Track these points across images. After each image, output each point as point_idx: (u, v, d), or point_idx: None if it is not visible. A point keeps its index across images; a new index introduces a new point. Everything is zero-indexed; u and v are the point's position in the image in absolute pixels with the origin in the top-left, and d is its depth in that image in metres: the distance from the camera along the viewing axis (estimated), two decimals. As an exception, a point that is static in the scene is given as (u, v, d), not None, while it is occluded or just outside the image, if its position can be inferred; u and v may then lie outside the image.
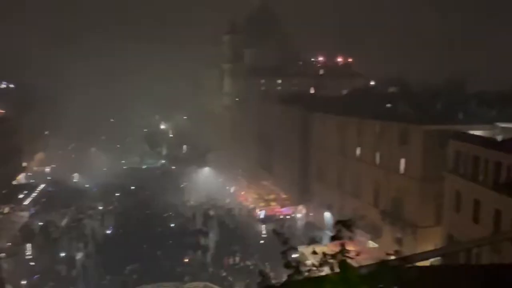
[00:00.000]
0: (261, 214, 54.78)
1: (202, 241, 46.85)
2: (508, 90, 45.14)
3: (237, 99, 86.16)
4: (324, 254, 5.17)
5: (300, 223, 52.84)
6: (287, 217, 54.50)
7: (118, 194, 64.98)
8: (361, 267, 5.51)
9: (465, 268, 12.38)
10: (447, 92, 45.18)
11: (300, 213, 54.33)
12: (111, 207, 59.84)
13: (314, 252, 5.93)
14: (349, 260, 5.09)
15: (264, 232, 49.11)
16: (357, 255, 5.31)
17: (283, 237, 5.38)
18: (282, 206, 56.35)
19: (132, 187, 68.67)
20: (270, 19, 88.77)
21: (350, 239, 5.09)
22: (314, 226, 48.73)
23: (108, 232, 51.18)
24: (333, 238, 5.17)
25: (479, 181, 26.22)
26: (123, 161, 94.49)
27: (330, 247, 5.33)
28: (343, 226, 5.04)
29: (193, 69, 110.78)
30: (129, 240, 44.28)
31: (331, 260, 5.12)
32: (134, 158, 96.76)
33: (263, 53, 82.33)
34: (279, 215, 54.75)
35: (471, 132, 29.86)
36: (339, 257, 5.11)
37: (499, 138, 27.80)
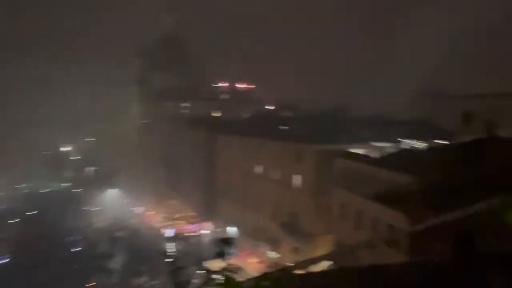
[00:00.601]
0: (169, 232, 53.41)
1: (108, 263, 44.14)
2: (383, 113, 50.35)
3: (144, 121, 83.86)
4: (210, 271, 5.36)
5: (207, 239, 52.44)
6: (195, 234, 53.81)
7: (16, 220, 58.70)
8: (245, 281, 5.80)
9: (349, 270, 13.42)
10: (336, 115, 48.88)
11: (207, 229, 53.98)
12: (7, 235, 53.67)
13: (208, 271, 6.13)
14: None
15: (171, 250, 47.88)
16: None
17: (173, 257, 5.51)
18: (190, 224, 55.61)
19: (32, 212, 62.52)
20: (179, 44, 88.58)
21: (232, 255, 5.39)
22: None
23: (4, 261, 45.78)
24: (218, 255, 5.41)
25: (360, 193, 28.66)
26: (22, 185, 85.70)
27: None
28: (225, 243, 5.32)
29: (100, 91, 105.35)
30: (28, 269, 40.06)
31: (217, 276, 5.34)
32: (34, 182, 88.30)
33: (171, 77, 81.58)
34: (187, 233, 53.90)
35: (353, 150, 32.72)
36: (225, 272, 5.35)
37: (374, 155, 30.87)
